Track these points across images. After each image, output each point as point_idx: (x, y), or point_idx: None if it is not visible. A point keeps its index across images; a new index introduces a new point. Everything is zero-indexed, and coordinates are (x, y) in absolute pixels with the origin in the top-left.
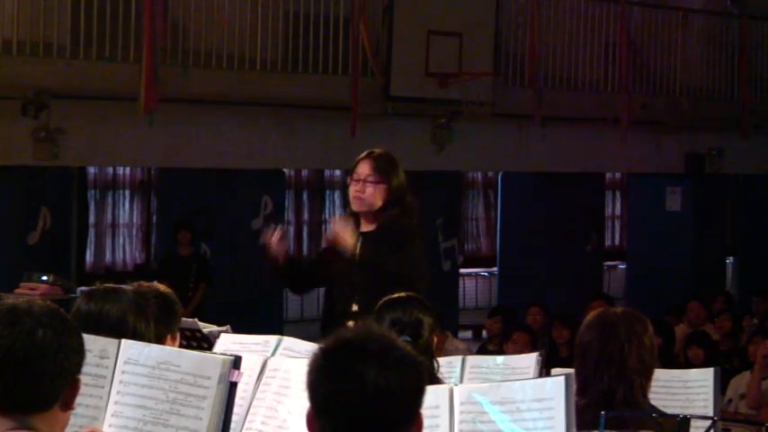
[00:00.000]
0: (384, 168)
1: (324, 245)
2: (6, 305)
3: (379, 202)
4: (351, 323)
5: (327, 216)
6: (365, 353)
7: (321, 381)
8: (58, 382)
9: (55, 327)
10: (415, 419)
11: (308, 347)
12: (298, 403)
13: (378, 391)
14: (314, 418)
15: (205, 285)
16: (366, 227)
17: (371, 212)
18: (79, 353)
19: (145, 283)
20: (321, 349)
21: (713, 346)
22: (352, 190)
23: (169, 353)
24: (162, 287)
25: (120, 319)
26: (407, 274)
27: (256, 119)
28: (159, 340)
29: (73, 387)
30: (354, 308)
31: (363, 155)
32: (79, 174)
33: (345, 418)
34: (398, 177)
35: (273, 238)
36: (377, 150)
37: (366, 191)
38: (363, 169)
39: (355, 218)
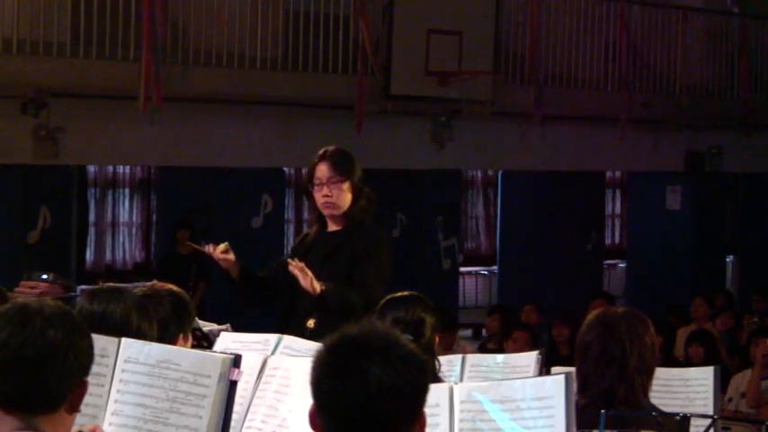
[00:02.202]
0: (343, 165)
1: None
2: (17, 304)
3: (348, 199)
4: (312, 320)
5: None
6: (370, 350)
7: (325, 377)
8: (66, 383)
9: (65, 327)
10: (417, 417)
11: (308, 346)
12: (298, 402)
13: (382, 389)
14: (317, 415)
15: (205, 284)
16: (333, 227)
17: (341, 213)
18: (88, 355)
19: (158, 283)
20: (326, 346)
21: (714, 345)
22: (319, 196)
23: (169, 351)
24: (175, 287)
25: (124, 319)
26: (370, 284)
27: (256, 118)
28: (171, 340)
29: (80, 389)
30: (310, 324)
31: (317, 157)
32: (79, 172)
33: (349, 415)
34: (357, 171)
35: (216, 252)
36: (329, 149)
37: (333, 193)
38: (323, 172)
39: (322, 220)
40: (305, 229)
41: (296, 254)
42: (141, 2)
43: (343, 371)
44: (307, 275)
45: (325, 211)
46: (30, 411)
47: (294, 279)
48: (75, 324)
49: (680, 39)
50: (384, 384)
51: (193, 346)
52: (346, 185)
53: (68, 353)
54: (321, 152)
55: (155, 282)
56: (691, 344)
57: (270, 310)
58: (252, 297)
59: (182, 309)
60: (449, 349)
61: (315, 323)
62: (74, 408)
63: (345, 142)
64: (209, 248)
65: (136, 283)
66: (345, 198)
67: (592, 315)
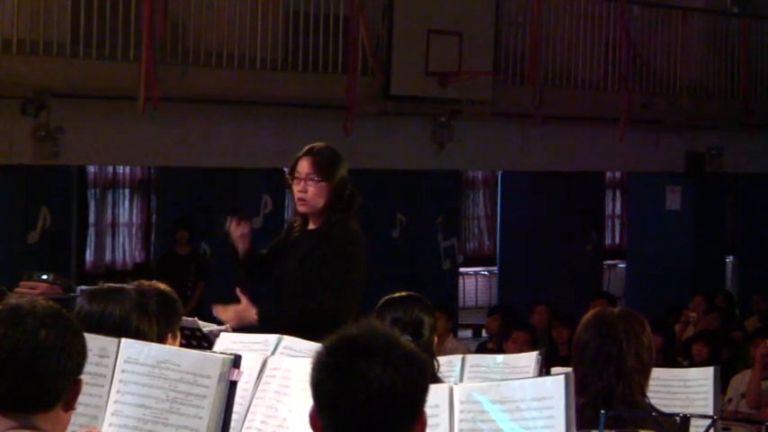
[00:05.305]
0: (325, 166)
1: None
2: (9, 305)
3: (322, 201)
4: None
5: None
6: (370, 350)
7: (325, 378)
8: (60, 382)
9: (58, 327)
10: (418, 417)
11: (308, 346)
12: (298, 402)
13: (382, 389)
14: (317, 416)
15: (204, 284)
16: (312, 225)
17: (316, 212)
18: (82, 353)
19: (146, 282)
20: (325, 347)
21: (718, 345)
22: (296, 190)
23: (169, 352)
24: (163, 286)
25: (124, 319)
26: (340, 284)
27: (256, 118)
28: (160, 339)
29: (75, 387)
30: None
31: (303, 152)
32: (79, 173)
33: (349, 416)
34: (340, 172)
35: (236, 230)
36: (317, 146)
37: (308, 190)
38: (304, 168)
39: (303, 217)
40: None
41: (282, 245)
42: (141, 2)
43: (344, 371)
44: (237, 318)
45: (299, 207)
46: (26, 411)
47: (278, 276)
48: (67, 323)
49: (680, 39)
50: (384, 385)
51: (192, 346)
52: (323, 186)
53: (62, 352)
54: (308, 147)
55: (141, 281)
56: (695, 343)
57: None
58: (251, 275)
59: (169, 308)
60: (440, 344)
61: None
62: (69, 406)
63: (345, 143)
64: (231, 224)
65: (123, 284)
66: (319, 198)
67: (588, 315)
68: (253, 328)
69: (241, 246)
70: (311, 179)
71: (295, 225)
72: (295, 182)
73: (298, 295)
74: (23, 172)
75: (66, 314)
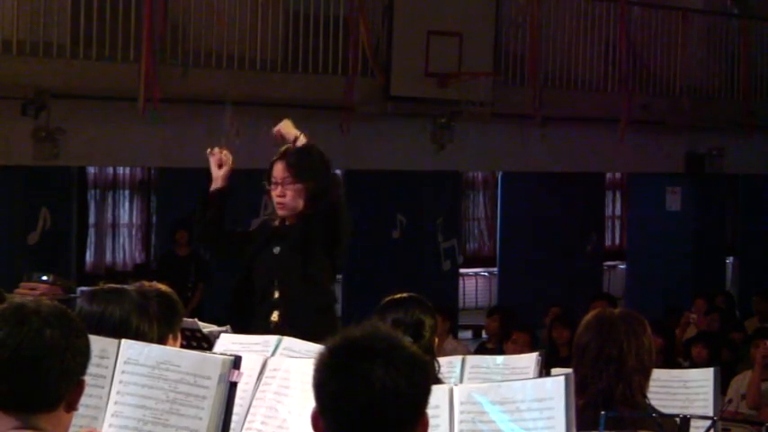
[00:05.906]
0: (299, 167)
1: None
2: (14, 304)
3: (300, 203)
4: (275, 313)
5: None
6: (372, 352)
7: (328, 379)
8: (63, 382)
9: (62, 327)
10: (420, 419)
11: (308, 347)
12: (298, 403)
13: (385, 390)
14: (320, 417)
15: (204, 285)
16: (291, 219)
17: (296, 213)
18: (85, 354)
19: (147, 283)
20: (328, 348)
21: (717, 347)
22: (274, 195)
23: (169, 353)
24: (163, 287)
25: (123, 319)
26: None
27: (256, 118)
28: (160, 340)
29: (78, 388)
30: (276, 295)
31: (278, 155)
32: (79, 174)
33: (352, 417)
34: (317, 172)
35: (215, 151)
36: (292, 147)
37: (286, 194)
38: (279, 171)
39: (281, 218)
40: None
41: (266, 238)
42: (141, 2)
43: (346, 373)
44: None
45: (278, 211)
46: (28, 411)
47: (259, 269)
48: (71, 323)
49: (680, 40)
50: (387, 386)
51: (192, 347)
52: (299, 188)
53: (66, 352)
54: (282, 150)
55: (142, 282)
56: (695, 344)
57: (215, 253)
58: (208, 230)
59: (169, 309)
60: (439, 347)
61: (278, 316)
62: (72, 406)
63: (345, 143)
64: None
65: (123, 285)
66: (298, 200)
67: (589, 316)
68: (252, 328)
69: (219, 172)
70: (288, 182)
71: (273, 221)
72: (272, 187)
73: (290, 280)
74: (23, 173)
75: (70, 314)
